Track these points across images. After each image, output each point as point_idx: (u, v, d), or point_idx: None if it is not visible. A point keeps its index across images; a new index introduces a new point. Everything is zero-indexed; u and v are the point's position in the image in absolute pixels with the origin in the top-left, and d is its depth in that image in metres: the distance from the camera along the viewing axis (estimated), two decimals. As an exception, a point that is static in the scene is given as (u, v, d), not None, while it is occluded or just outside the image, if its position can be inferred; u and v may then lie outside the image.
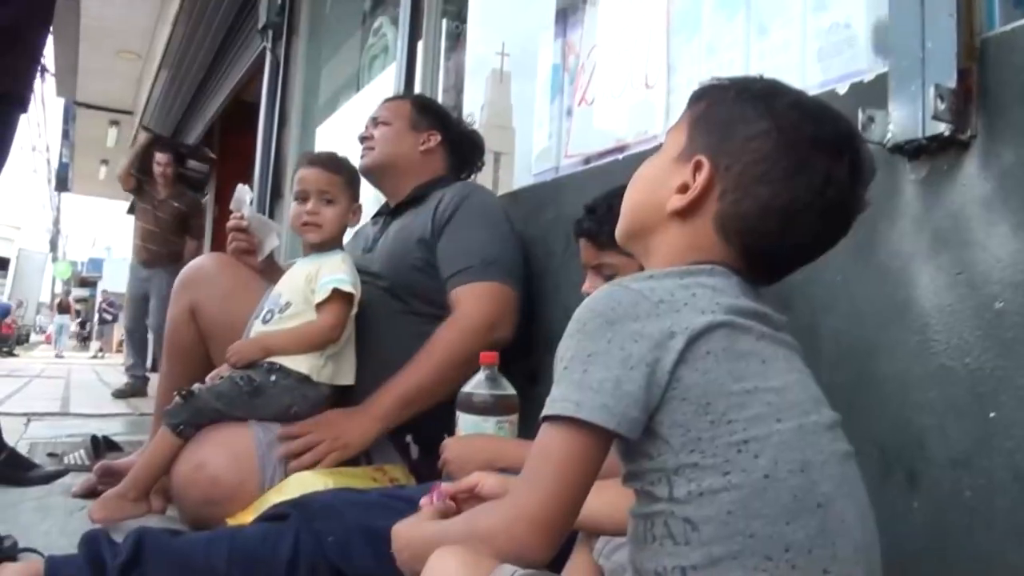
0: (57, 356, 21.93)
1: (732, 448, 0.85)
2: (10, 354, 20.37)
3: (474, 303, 2.15)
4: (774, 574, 0.83)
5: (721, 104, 1.03)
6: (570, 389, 0.89)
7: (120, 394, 6.63)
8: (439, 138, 2.51)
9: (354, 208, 2.26)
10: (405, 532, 1.14)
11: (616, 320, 0.89)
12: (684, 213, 1.00)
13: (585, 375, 0.88)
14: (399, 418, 2.11)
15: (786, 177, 0.96)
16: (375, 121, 2.52)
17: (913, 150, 1.29)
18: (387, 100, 2.65)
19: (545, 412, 0.90)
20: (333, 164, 2.28)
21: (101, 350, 26.57)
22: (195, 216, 7.17)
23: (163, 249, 6.87)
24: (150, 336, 7.15)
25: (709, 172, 0.98)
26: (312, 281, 2.12)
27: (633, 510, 0.93)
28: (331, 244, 2.24)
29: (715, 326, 0.89)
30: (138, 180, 6.94)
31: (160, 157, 6.86)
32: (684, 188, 1.00)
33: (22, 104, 2.65)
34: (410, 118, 2.51)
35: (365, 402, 2.11)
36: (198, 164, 7.47)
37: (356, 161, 2.42)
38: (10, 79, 2.51)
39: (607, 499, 1.13)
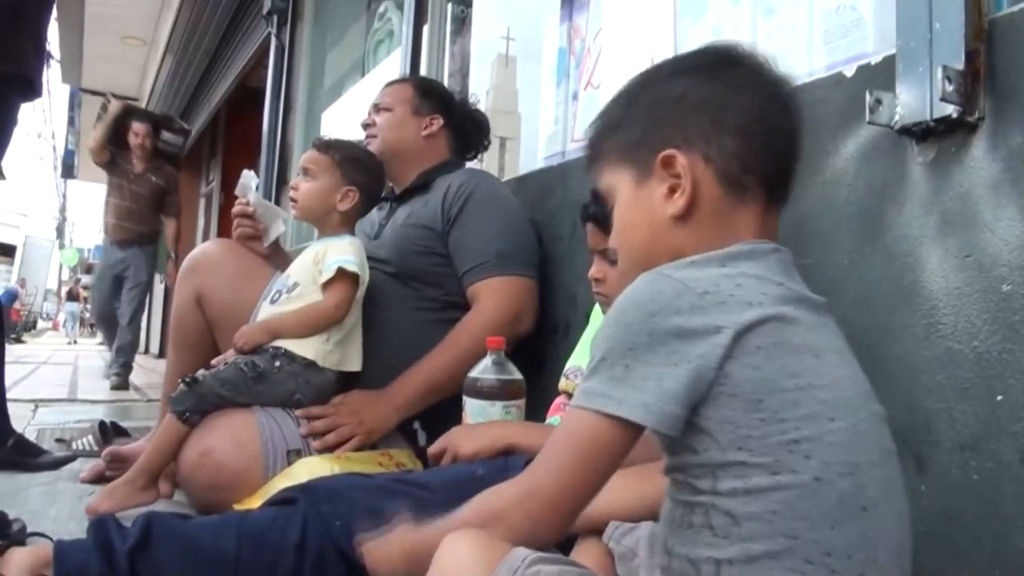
0: (71, 343, 22.08)
1: (783, 448, 0.82)
2: (18, 340, 20.43)
3: (495, 298, 2.15)
4: None
5: (634, 106, 1.05)
6: (610, 385, 0.86)
7: (118, 386, 6.25)
8: (442, 122, 2.50)
9: (344, 190, 2.24)
10: (382, 544, 1.10)
11: (658, 312, 0.86)
12: (689, 208, 0.98)
13: (627, 371, 0.85)
14: (419, 407, 2.13)
15: (738, 104, 0.98)
16: (377, 107, 2.51)
17: (921, 132, 1.28)
18: (388, 84, 2.63)
19: (582, 403, 0.88)
20: (323, 144, 2.32)
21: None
22: (173, 191, 6.67)
23: (141, 227, 6.42)
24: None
25: (681, 153, 0.98)
26: (319, 262, 2.13)
27: (672, 494, 0.91)
28: (326, 224, 2.26)
29: (764, 320, 0.86)
30: (112, 153, 6.39)
31: (137, 128, 6.37)
32: (672, 190, 0.99)
33: (30, 88, 2.62)
34: (412, 103, 2.49)
35: (388, 388, 2.12)
36: (172, 136, 6.81)
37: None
38: (11, 60, 2.49)
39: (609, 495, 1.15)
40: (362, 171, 2.28)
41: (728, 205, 0.98)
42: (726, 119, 0.98)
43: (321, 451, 1.98)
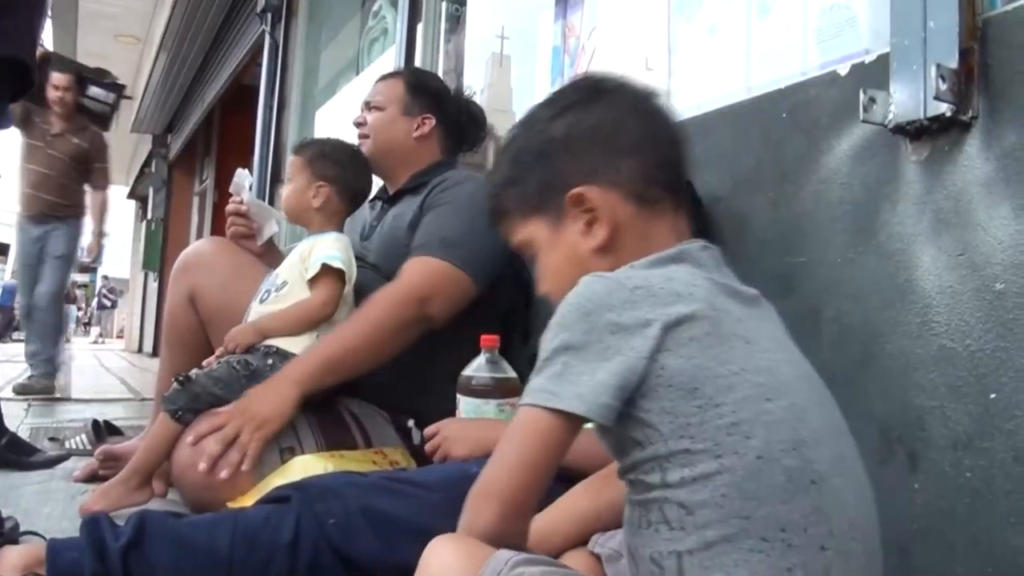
0: (66, 342, 22.03)
1: (722, 431, 0.85)
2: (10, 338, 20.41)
3: (410, 274, 2.10)
4: (770, 554, 0.83)
5: (524, 158, 1.12)
6: (549, 381, 0.90)
7: (23, 389, 5.08)
8: (433, 122, 2.45)
9: (315, 187, 2.24)
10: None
11: (593, 311, 0.91)
12: (610, 236, 1.04)
13: (565, 368, 0.90)
14: (322, 382, 2.02)
15: (623, 127, 1.06)
16: (368, 105, 2.48)
17: (914, 131, 1.29)
18: (381, 79, 2.59)
19: (526, 400, 0.92)
20: (297, 146, 2.37)
21: (101, 335, 26.63)
22: (98, 157, 5.54)
23: (59, 199, 5.29)
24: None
25: (587, 187, 1.04)
26: (305, 260, 2.12)
27: (628, 496, 0.94)
28: (310, 223, 2.27)
29: (693, 313, 0.90)
30: (26, 109, 5.22)
31: (57, 79, 5.32)
32: (589, 224, 1.05)
33: (25, 73, 2.50)
34: (403, 102, 2.44)
35: (285, 366, 2.03)
36: (102, 91, 5.75)
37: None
38: (5, 40, 2.39)
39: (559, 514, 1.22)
40: (330, 164, 2.26)
41: (643, 220, 1.05)
42: (617, 143, 1.05)
43: (230, 474, 1.83)
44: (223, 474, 1.82)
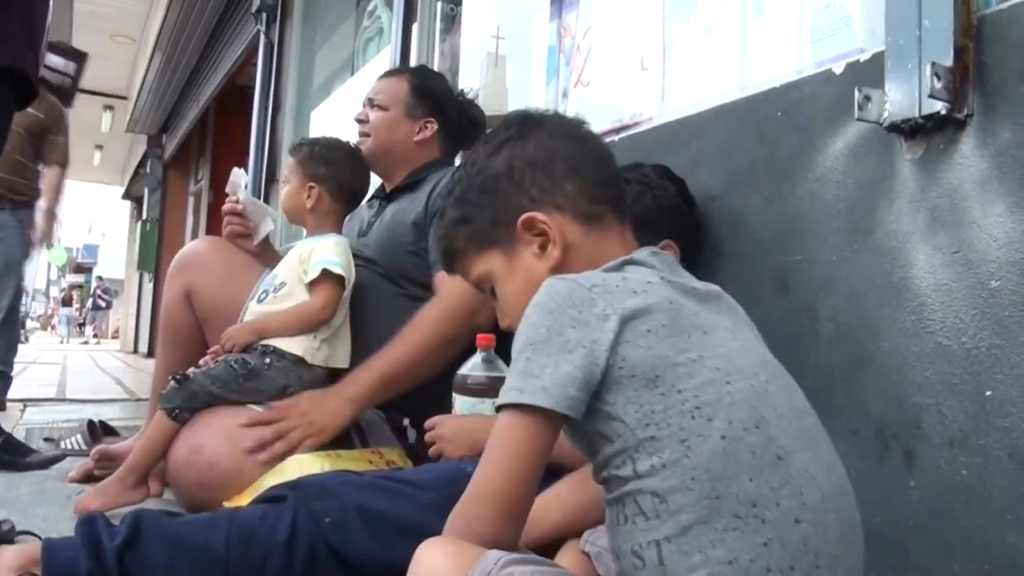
0: (61, 342, 22.28)
1: (686, 415, 0.88)
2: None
3: (455, 287, 2.11)
4: (744, 531, 0.84)
5: (470, 197, 1.17)
6: (515, 379, 0.93)
7: None
8: (435, 127, 2.45)
9: (307, 188, 2.25)
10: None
11: (554, 310, 0.95)
12: (563, 255, 1.10)
13: (528, 363, 0.93)
14: (376, 399, 2.09)
15: (560, 152, 1.14)
16: (371, 102, 2.48)
17: (909, 129, 1.29)
18: (386, 75, 2.58)
19: (499, 401, 0.95)
20: (291, 148, 2.37)
21: (95, 335, 26.62)
22: (55, 129, 4.84)
23: (13, 177, 4.48)
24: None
25: (536, 210, 1.11)
26: (305, 262, 2.12)
27: (605, 497, 0.96)
28: (307, 224, 2.28)
29: (649, 307, 0.94)
30: None
31: None
32: (542, 247, 1.11)
33: (25, 84, 2.46)
34: (406, 104, 2.44)
35: (341, 382, 2.08)
36: (61, 61, 5.13)
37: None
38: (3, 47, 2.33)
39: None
40: (320, 164, 2.27)
41: (591, 236, 1.11)
42: (556, 169, 1.12)
43: (268, 461, 1.91)
44: (262, 456, 1.91)
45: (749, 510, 0.85)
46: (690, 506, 0.85)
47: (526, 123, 1.18)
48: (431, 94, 2.49)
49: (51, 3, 2.58)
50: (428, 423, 1.79)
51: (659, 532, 0.87)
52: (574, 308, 0.94)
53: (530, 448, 0.92)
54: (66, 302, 29.58)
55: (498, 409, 0.95)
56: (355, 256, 2.21)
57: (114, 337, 24.57)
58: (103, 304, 26.93)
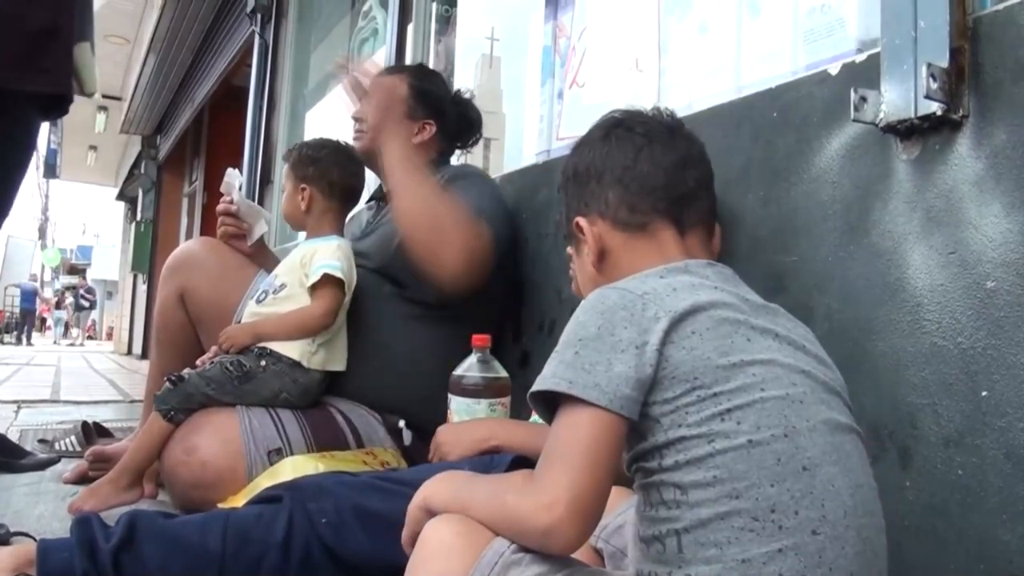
0: (55, 343, 22.30)
1: (716, 419, 0.89)
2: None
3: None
4: (761, 534, 0.85)
5: (560, 189, 1.29)
6: (561, 368, 0.93)
7: None
8: (433, 129, 2.40)
9: (300, 191, 2.25)
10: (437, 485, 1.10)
11: (606, 311, 0.96)
12: (600, 258, 1.19)
13: (576, 357, 0.93)
14: None
15: (610, 162, 1.19)
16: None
17: (905, 130, 1.29)
18: (384, 73, 2.52)
19: (537, 387, 0.94)
20: (284, 154, 2.39)
21: (90, 336, 26.62)
22: None
23: None
24: None
25: (581, 217, 1.20)
26: (306, 265, 2.13)
27: (635, 485, 0.97)
28: (307, 227, 2.28)
29: (697, 308, 0.95)
30: None
31: None
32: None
33: (60, 105, 2.57)
34: (406, 104, 2.37)
35: None
36: None
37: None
38: (53, 77, 2.43)
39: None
40: (309, 164, 2.27)
41: (634, 242, 1.17)
42: (606, 176, 1.19)
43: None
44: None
45: (767, 515, 0.86)
46: (710, 501, 0.87)
47: (606, 126, 1.25)
48: (430, 96, 2.44)
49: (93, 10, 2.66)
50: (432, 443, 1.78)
51: (679, 522, 0.88)
52: (626, 310, 0.95)
53: (613, 451, 0.90)
54: (60, 305, 29.63)
55: (533, 396, 0.96)
56: (355, 257, 2.21)
57: (108, 337, 24.55)
58: (86, 304, 26.91)
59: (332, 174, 2.28)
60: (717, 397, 0.90)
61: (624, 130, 1.22)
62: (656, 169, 1.18)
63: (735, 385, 0.91)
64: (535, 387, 0.95)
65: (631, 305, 0.95)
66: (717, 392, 0.90)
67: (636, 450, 0.94)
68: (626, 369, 0.90)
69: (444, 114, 2.45)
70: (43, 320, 31.38)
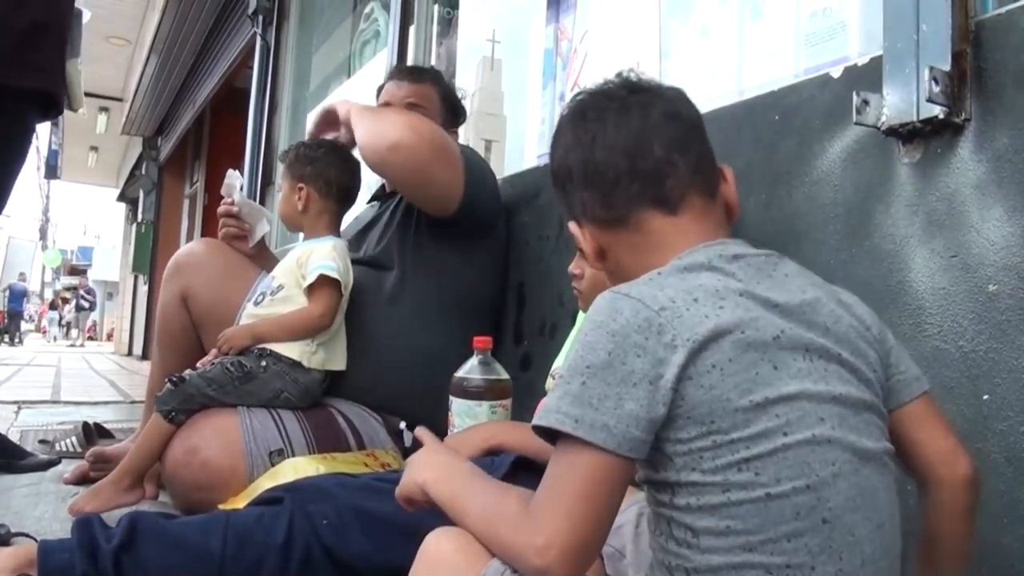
0: (51, 340, 22.33)
1: (732, 468, 0.83)
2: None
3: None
4: None
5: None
6: (566, 401, 0.85)
7: None
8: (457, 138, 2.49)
9: (296, 191, 2.25)
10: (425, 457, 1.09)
11: (617, 332, 0.86)
12: (600, 256, 1.08)
13: (584, 388, 0.85)
14: None
15: (576, 159, 1.07)
16: (415, 106, 2.38)
17: (907, 133, 1.29)
18: (410, 78, 2.49)
19: (539, 421, 0.87)
20: (280, 155, 2.38)
21: (90, 337, 26.64)
22: None
23: None
24: None
25: (573, 221, 1.10)
26: (303, 266, 2.12)
27: (646, 496, 0.92)
28: (304, 227, 2.28)
29: (720, 333, 0.85)
30: None
31: None
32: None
33: (53, 105, 2.58)
34: (441, 115, 2.42)
35: None
36: None
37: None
38: (44, 75, 2.43)
39: None
40: (306, 164, 2.26)
41: (625, 237, 1.04)
42: (573, 177, 1.07)
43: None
44: None
45: (783, 570, 0.81)
46: (722, 551, 0.83)
47: (566, 118, 1.11)
48: (453, 105, 2.52)
49: (83, 28, 2.64)
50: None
51: (689, 562, 0.84)
52: (640, 334, 0.85)
53: (614, 491, 0.85)
54: (53, 306, 29.68)
55: (539, 430, 0.88)
56: (353, 257, 2.21)
57: (108, 338, 24.54)
58: (86, 305, 26.92)
59: (329, 173, 2.27)
60: (735, 444, 0.83)
61: (578, 119, 1.08)
62: (612, 154, 1.03)
63: (755, 431, 0.83)
64: (538, 420, 0.87)
65: (645, 327, 0.85)
66: (735, 439, 0.83)
67: (647, 476, 0.89)
68: (637, 408, 0.82)
69: (458, 122, 2.55)
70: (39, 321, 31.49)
